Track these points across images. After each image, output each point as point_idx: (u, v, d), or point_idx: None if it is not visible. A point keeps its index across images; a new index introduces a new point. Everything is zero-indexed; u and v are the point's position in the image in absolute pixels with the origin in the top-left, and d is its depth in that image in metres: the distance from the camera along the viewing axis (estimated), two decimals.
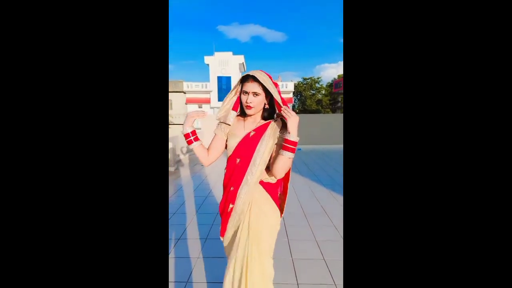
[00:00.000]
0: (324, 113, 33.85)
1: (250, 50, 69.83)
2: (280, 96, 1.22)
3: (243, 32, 77.52)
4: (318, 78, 39.80)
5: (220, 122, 1.34)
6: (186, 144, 7.49)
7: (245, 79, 1.24)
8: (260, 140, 1.25)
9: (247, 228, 1.24)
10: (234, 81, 15.83)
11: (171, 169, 5.78)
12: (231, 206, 1.27)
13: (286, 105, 1.19)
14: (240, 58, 24.86)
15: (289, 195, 3.90)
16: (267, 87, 1.20)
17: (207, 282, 1.91)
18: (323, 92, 39.13)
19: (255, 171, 1.24)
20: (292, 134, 1.16)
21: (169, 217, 3.12)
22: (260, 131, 1.26)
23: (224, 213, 1.30)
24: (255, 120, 1.31)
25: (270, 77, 1.24)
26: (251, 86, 1.22)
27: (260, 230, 1.23)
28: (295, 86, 32.69)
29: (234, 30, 76.16)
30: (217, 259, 2.23)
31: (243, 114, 1.33)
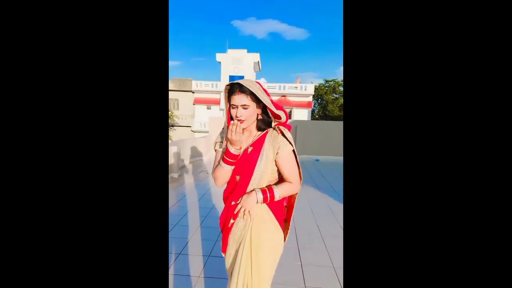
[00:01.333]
0: None
1: (267, 47, 70.18)
2: (273, 103, 1.24)
3: (260, 28, 78.31)
4: (342, 81, 39.70)
5: (217, 142, 1.38)
6: (193, 150, 7.51)
7: (231, 91, 1.21)
8: (260, 156, 1.24)
9: (248, 249, 1.25)
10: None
11: (174, 175, 5.75)
12: (232, 221, 1.30)
13: (282, 109, 1.25)
14: (255, 56, 24.86)
15: (304, 212, 3.83)
16: (258, 96, 1.19)
17: None
18: None
19: (257, 188, 1.26)
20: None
21: (170, 229, 3.07)
22: (257, 145, 1.26)
23: (225, 228, 1.32)
24: (251, 133, 1.30)
25: (260, 84, 1.24)
26: (238, 99, 1.19)
27: (261, 253, 1.24)
28: (316, 89, 32.30)
29: (250, 26, 77.06)
30: (219, 280, 2.19)
31: None
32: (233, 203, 1.29)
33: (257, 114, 1.26)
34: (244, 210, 1.25)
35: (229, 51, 24.86)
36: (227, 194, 1.33)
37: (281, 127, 1.27)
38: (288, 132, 1.26)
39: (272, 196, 1.23)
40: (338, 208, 4.06)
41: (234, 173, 1.29)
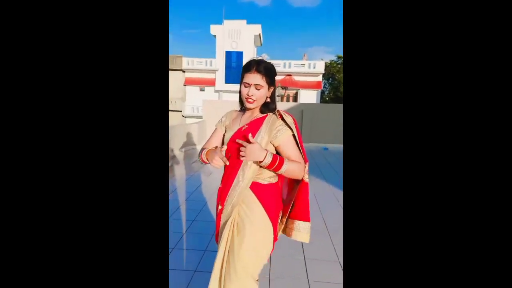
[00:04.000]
0: None
1: (270, 17, 69.50)
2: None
3: None
4: None
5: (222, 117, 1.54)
6: (185, 138, 7.66)
7: (247, 68, 1.35)
8: (255, 137, 1.34)
9: (230, 233, 1.36)
10: (247, 58, 15.84)
11: None
12: (219, 207, 1.42)
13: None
14: (256, 28, 24.74)
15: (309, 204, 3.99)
16: (272, 80, 1.37)
17: None
18: None
19: (248, 171, 1.36)
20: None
21: None
22: (254, 126, 1.38)
23: (217, 215, 1.45)
24: (252, 114, 1.45)
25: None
26: (253, 78, 1.33)
27: (240, 246, 1.32)
28: (326, 67, 31.79)
29: None
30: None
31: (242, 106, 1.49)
32: (220, 186, 1.44)
33: (266, 97, 1.41)
34: (244, 154, 1.26)
35: (226, 22, 24.68)
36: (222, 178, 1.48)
37: (281, 111, 1.40)
38: (289, 117, 1.38)
39: (280, 164, 1.28)
40: None
41: (227, 151, 1.39)
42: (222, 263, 1.36)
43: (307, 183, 1.41)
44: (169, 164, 6.13)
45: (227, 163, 1.32)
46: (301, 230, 1.46)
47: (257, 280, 1.38)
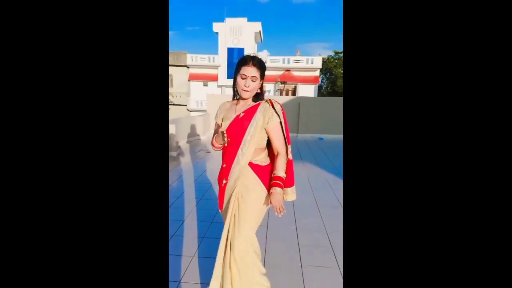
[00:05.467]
0: None
1: (270, 14, 69.02)
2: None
3: None
4: None
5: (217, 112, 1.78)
6: (189, 130, 7.95)
7: (243, 62, 1.58)
8: (251, 122, 1.60)
9: (236, 198, 1.62)
10: (248, 53, 15.68)
11: (173, 154, 6.25)
12: (224, 181, 1.69)
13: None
14: (257, 26, 24.90)
15: (303, 185, 4.40)
16: (263, 73, 1.61)
17: (200, 283, 2.11)
18: None
19: (246, 151, 1.62)
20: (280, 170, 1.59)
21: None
22: (249, 113, 1.62)
23: (220, 186, 1.72)
24: (246, 103, 1.67)
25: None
26: (250, 70, 1.55)
27: (245, 207, 1.59)
28: (324, 62, 31.87)
29: None
30: (214, 259, 2.50)
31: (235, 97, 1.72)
32: (224, 165, 1.68)
33: (257, 88, 1.63)
34: (279, 207, 1.52)
35: (227, 20, 24.90)
36: (222, 158, 1.74)
37: (272, 100, 1.65)
38: (278, 105, 1.63)
39: (282, 179, 1.57)
40: (337, 183, 4.64)
41: (226, 136, 1.62)
42: (229, 226, 1.59)
43: (291, 160, 1.69)
44: (176, 154, 6.42)
45: (226, 144, 1.64)
46: (289, 193, 1.75)
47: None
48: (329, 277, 2.23)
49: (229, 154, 1.67)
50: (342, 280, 2.19)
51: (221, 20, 25.33)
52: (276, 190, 1.54)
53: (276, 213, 1.50)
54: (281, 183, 1.56)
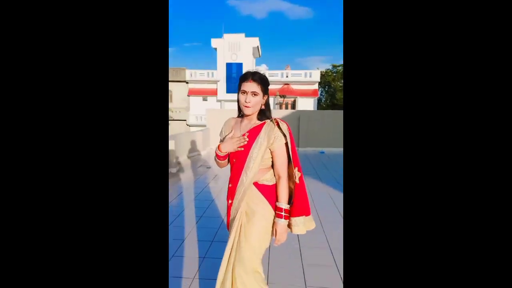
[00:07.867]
0: None
1: (268, 30, 70.23)
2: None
3: (260, 7, 77.83)
4: None
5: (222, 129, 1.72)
6: (190, 146, 7.88)
7: (244, 78, 1.54)
8: (254, 143, 1.54)
9: (240, 219, 1.58)
10: (246, 68, 15.74)
11: (172, 170, 6.16)
12: (230, 201, 1.64)
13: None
14: (254, 41, 25.04)
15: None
16: (265, 88, 1.55)
17: None
18: None
19: (249, 173, 1.56)
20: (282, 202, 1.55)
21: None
22: (253, 133, 1.56)
23: (228, 207, 1.67)
24: (250, 121, 1.61)
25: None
26: (250, 86, 1.51)
27: (250, 229, 1.55)
28: (322, 75, 32.30)
29: (249, 5, 76.69)
30: (214, 281, 2.45)
31: (240, 115, 1.67)
32: (230, 185, 1.62)
33: (261, 105, 1.57)
34: (279, 238, 1.57)
35: (226, 36, 25.07)
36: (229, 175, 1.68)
37: (278, 119, 1.55)
38: (284, 124, 1.54)
39: (286, 210, 1.55)
40: (340, 198, 4.50)
41: (232, 156, 1.62)
42: (232, 247, 1.56)
43: (299, 184, 1.60)
44: (176, 170, 6.33)
45: (246, 142, 1.56)
46: (303, 223, 1.64)
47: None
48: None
49: (234, 174, 1.62)
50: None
51: (219, 36, 25.50)
52: (279, 222, 1.54)
53: (275, 243, 1.53)
54: (282, 213, 1.54)
